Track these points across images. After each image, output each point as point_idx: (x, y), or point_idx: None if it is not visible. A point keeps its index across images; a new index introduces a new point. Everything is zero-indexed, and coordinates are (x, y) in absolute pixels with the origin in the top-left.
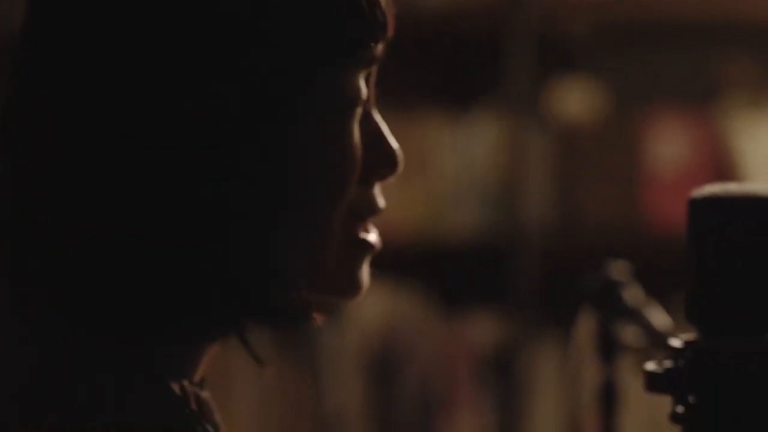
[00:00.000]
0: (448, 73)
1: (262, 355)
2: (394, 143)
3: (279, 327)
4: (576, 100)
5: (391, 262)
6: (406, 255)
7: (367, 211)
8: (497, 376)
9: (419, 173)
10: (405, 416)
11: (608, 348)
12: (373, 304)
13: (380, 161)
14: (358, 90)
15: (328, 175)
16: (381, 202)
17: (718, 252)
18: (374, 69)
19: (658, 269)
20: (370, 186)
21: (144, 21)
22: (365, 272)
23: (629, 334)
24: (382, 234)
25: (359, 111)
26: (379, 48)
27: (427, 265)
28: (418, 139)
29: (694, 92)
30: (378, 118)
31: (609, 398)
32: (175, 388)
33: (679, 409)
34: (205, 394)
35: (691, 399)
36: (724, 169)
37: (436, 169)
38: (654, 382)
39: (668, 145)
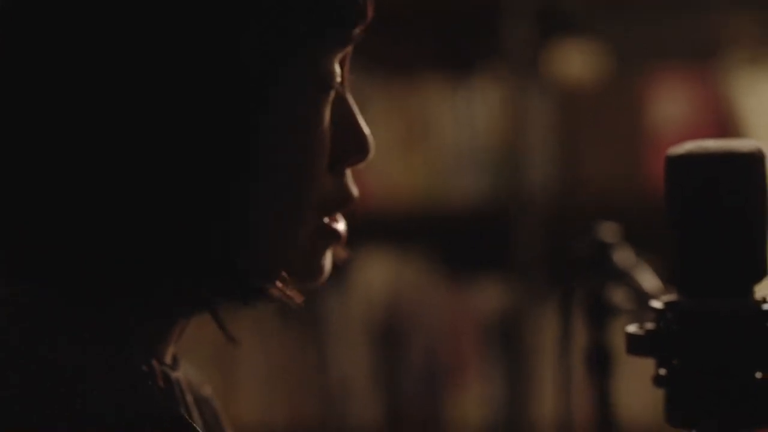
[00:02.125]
0: (448, 38)
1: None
2: (365, 128)
3: (248, 305)
4: (576, 62)
5: (395, 230)
6: (409, 222)
7: (339, 201)
8: (503, 342)
9: (421, 140)
10: (411, 384)
11: (599, 310)
12: (378, 272)
13: (351, 147)
14: (331, 73)
15: (298, 158)
16: (354, 190)
17: (696, 212)
18: (349, 52)
19: (662, 231)
20: (341, 174)
21: (117, 10)
22: (328, 259)
23: (620, 296)
24: (385, 202)
25: (332, 95)
26: (355, 31)
27: (431, 232)
28: (420, 105)
29: (695, 52)
30: (351, 101)
31: (600, 361)
32: (144, 368)
33: (662, 371)
34: (176, 375)
35: (673, 361)
36: (726, 128)
37: (437, 136)
38: (635, 345)
39: (670, 106)
